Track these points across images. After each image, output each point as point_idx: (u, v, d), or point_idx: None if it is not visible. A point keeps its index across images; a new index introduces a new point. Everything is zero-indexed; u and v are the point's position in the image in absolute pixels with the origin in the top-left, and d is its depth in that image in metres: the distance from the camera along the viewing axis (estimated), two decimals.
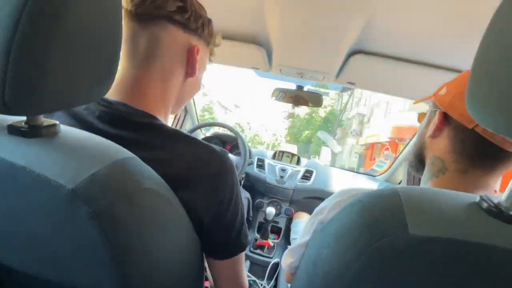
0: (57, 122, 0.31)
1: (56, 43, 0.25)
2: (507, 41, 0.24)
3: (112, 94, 0.44)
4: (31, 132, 0.29)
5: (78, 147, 0.30)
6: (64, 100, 0.29)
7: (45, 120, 0.30)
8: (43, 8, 0.24)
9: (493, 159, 0.41)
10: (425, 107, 0.70)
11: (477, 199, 0.28)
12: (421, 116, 0.60)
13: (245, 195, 1.49)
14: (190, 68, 0.49)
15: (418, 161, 0.54)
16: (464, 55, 0.74)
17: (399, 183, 1.59)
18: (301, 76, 1.12)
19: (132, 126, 0.41)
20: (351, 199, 0.34)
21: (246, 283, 0.55)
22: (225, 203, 0.44)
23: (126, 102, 0.44)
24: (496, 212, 0.26)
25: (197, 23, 0.48)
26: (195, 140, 0.44)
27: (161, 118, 0.47)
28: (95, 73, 0.30)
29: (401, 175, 1.57)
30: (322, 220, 0.52)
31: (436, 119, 0.48)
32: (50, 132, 0.30)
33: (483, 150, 0.41)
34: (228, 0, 0.71)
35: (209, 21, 0.51)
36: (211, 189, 0.42)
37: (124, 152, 0.31)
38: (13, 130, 0.29)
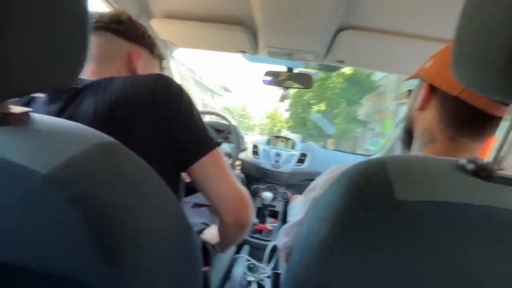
0: (28, 109, 0.30)
1: (13, 20, 0.23)
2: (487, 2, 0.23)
3: None
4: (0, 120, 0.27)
5: (52, 133, 0.29)
6: (31, 84, 0.27)
7: (15, 107, 0.29)
8: None
9: (479, 124, 0.42)
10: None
11: (463, 161, 0.28)
12: (410, 92, 0.60)
13: (239, 176, 1.51)
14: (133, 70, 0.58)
15: (408, 135, 0.55)
16: (453, 24, 0.73)
17: None
18: (290, 57, 1.10)
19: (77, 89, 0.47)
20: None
21: (241, 189, 0.56)
22: (176, 112, 0.48)
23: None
24: (482, 172, 0.26)
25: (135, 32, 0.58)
26: (132, 76, 0.49)
27: None
28: (64, 52, 0.28)
29: (397, 152, 1.58)
30: (314, 197, 0.52)
31: (423, 92, 0.48)
32: (20, 120, 0.28)
33: (468, 116, 0.42)
34: None
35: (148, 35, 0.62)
36: (154, 109, 0.46)
37: (102, 136, 0.30)
38: None
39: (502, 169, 0.26)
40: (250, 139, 1.74)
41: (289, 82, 1.36)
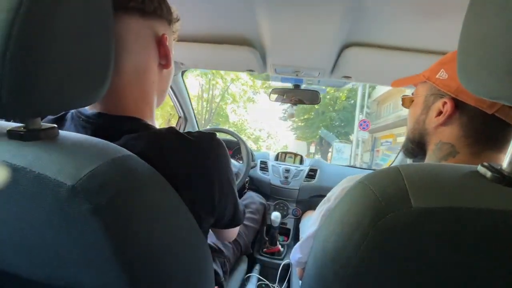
0: (55, 126, 0.32)
1: (49, 46, 0.25)
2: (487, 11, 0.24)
3: (90, 107, 0.42)
4: (30, 135, 0.29)
5: (77, 147, 0.30)
6: (61, 103, 0.29)
7: (43, 124, 0.31)
8: (35, 11, 0.24)
9: (509, 138, 0.41)
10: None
11: (479, 167, 0.28)
12: (406, 100, 0.57)
13: (260, 200, 1.48)
14: (164, 59, 0.46)
15: (417, 147, 0.53)
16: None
17: None
18: (297, 74, 1.12)
19: (112, 136, 0.38)
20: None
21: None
22: (216, 185, 0.43)
23: (104, 112, 0.41)
24: (499, 177, 0.26)
25: (153, 3, 0.42)
26: (176, 136, 0.41)
27: (147, 119, 0.44)
28: (90, 75, 0.31)
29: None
30: (329, 208, 0.51)
31: (440, 106, 0.46)
32: (48, 135, 0.30)
33: (503, 133, 0.41)
34: (218, 4, 0.72)
35: None
36: (202, 178, 0.41)
37: (122, 150, 0.32)
38: (12, 134, 0.29)
39: None
40: (258, 156, 1.75)
41: (296, 98, 1.38)
